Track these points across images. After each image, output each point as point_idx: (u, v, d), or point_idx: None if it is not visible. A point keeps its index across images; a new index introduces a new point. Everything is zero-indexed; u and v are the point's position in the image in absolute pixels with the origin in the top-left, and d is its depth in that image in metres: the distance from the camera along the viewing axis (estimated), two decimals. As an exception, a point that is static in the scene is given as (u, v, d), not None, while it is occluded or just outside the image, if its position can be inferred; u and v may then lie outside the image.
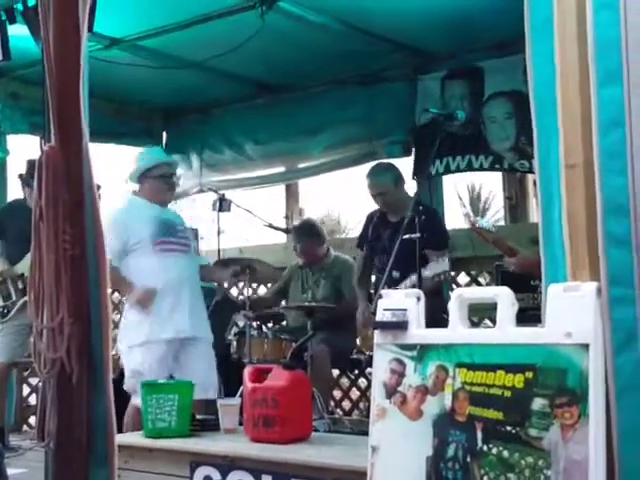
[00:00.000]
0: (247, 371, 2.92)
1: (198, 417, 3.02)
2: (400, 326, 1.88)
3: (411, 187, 4.67)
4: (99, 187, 2.46)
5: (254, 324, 4.62)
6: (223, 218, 5.26)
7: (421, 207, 3.64)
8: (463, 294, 1.89)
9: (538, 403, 1.64)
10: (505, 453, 1.67)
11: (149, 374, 3.65)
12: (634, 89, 1.61)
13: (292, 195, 6.50)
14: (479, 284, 5.21)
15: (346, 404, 5.69)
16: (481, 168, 4.91)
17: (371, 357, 2.03)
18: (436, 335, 1.86)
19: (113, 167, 6.65)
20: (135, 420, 3.58)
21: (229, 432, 2.90)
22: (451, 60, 4.99)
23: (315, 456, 2.48)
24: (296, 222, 5.69)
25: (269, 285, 6.05)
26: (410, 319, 1.88)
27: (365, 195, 4.57)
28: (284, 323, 5.11)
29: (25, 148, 5.04)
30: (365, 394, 5.35)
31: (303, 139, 5.63)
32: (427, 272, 3.41)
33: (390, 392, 1.87)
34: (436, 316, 2.38)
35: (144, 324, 3.80)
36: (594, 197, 1.64)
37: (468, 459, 1.72)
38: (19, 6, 3.35)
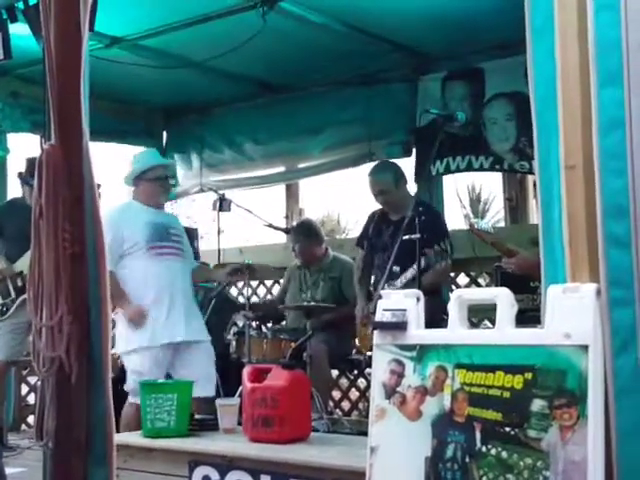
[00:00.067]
0: (246, 371, 2.92)
1: (197, 417, 3.02)
2: (399, 326, 1.88)
3: (412, 187, 4.69)
4: (99, 186, 2.46)
5: (253, 324, 4.62)
6: (223, 218, 5.27)
7: (421, 208, 3.65)
8: (463, 295, 1.89)
9: (537, 404, 1.64)
10: (504, 454, 1.67)
11: (149, 375, 3.66)
12: (634, 90, 1.61)
13: (292, 195, 6.50)
14: (479, 285, 5.21)
15: (345, 404, 5.68)
16: (481, 168, 4.92)
17: (370, 357, 2.03)
18: (435, 336, 1.86)
19: (113, 166, 6.64)
20: (133, 418, 3.58)
21: (228, 432, 2.90)
22: (452, 61, 4.99)
23: (314, 456, 2.48)
24: (294, 222, 5.69)
25: (268, 283, 6.06)
26: (409, 319, 1.88)
27: (365, 196, 4.58)
28: (283, 323, 5.11)
29: (25, 147, 5.05)
30: (364, 394, 5.35)
31: (303, 139, 5.64)
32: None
33: (389, 392, 1.87)
34: (436, 317, 2.39)
35: (131, 330, 3.80)
36: (594, 198, 1.64)
37: (467, 460, 1.72)
38: (20, 5, 3.35)
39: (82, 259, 2.19)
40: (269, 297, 5.86)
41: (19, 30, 3.45)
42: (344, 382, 5.64)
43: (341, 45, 4.65)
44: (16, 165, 4.92)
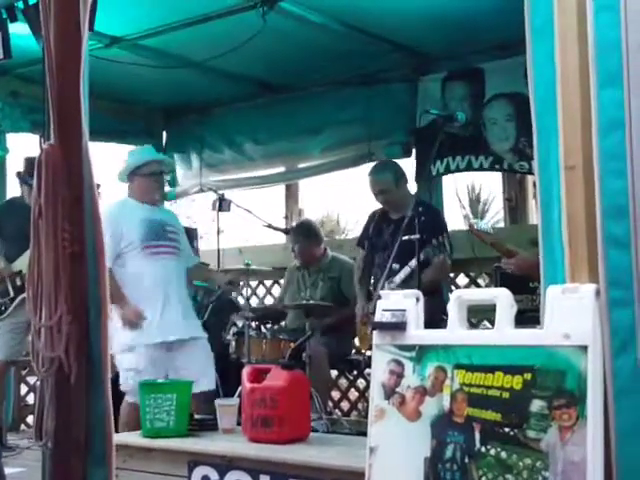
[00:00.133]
0: (245, 371, 2.92)
1: (196, 417, 3.02)
2: (399, 327, 1.88)
3: (412, 187, 4.69)
4: (99, 186, 2.46)
5: (253, 324, 4.62)
6: (223, 218, 5.26)
7: (421, 208, 3.65)
8: (462, 295, 1.89)
9: (536, 405, 1.64)
10: (503, 454, 1.67)
11: (144, 373, 3.67)
12: (634, 91, 1.61)
13: (292, 195, 6.50)
14: (478, 285, 5.21)
15: (344, 405, 5.68)
16: (481, 168, 4.92)
17: (369, 358, 2.03)
18: (435, 336, 1.86)
19: (113, 166, 6.63)
20: (132, 417, 3.59)
21: (227, 432, 2.90)
22: (452, 61, 4.99)
23: (313, 456, 2.48)
24: (294, 223, 5.69)
25: (268, 284, 6.06)
26: (409, 320, 1.88)
27: (365, 196, 4.58)
28: (283, 323, 5.11)
29: (24, 146, 5.05)
30: (364, 395, 5.35)
31: (303, 139, 5.64)
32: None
33: (389, 393, 1.87)
34: (435, 317, 2.39)
35: (127, 329, 3.80)
36: (593, 198, 1.64)
37: (466, 460, 1.72)
38: (20, 4, 3.35)
39: (81, 259, 2.19)
40: (270, 302, 5.85)
41: (19, 29, 3.44)
42: (343, 382, 5.64)
43: (341, 45, 4.65)
44: (15, 165, 4.93)
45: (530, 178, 5.09)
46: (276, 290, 5.84)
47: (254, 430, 2.74)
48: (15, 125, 5.20)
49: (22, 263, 4.15)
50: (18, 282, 4.42)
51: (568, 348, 1.62)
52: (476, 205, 16.64)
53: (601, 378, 1.59)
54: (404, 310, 1.89)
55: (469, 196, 16.58)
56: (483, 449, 1.70)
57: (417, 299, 1.91)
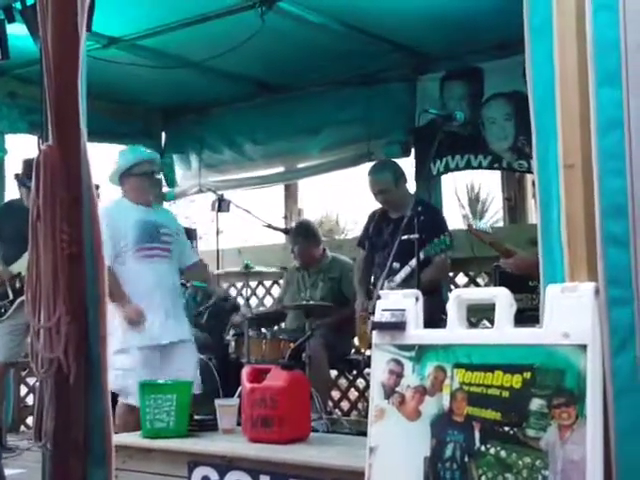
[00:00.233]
0: (245, 371, 2.92)
1: (196, 417, 3.02)
2: (398, 326, 1.88)
3: (411, 186, 4.69)
4: (97, 187, 2.46)
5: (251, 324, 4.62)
6: (222, 218, 5.27)
7: (420, 207, 3.65)
8: (461, 295, 1.89)
9: (536, 403, 1.64)
10: (503, 453, 1.67)
11: (134, 375, 3.68)
12: (633, 90, 1.61)
13: (291, 195, 6.50)
14: (477, 285, 5.21)
15: (344, 404, 5.68)
16: (480, 167, 4.92)
17: (369, 357, 2.03)
18: (434, 336, 1.86)
19: (111, 167, 6.62)
20: (126, 419, 3.59)
21: (227, 432, 2.90)
22: (450, 61, 5.00)
23: (313, 456, 2.48)
24: (293, 223, 5.69)
25: (267, 284, 6.06)
26: (408, 319, 1.88)
27: (364, 196, 4.58)
28: (282, 324, 5.11)
29: (23, 147, 5.05)
30: (363, 395, 5.35)
31: (302, 139, 5.64)
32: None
33: (388, 392, 1.87)
34: (435, 316, 2.39)
35: (124, 330, 3.80)
36: (593, 198, 1.64)
37: (466, 459, 1.72)
38: (17, 5, 3.35)
39: (80, 260, 2.19)
40: (270, 302, 5.85)
41: (16, 30, 3.44)
42: (343, 382, 5.64)
43: (340, 45, 4.65)
44: (14, 166, 4.92)
45: (529, 177, 5.09)
46: (275, 290, 5.83)
47: (254, 430, 2.74)
48: (13, 126, 5.19)
49: (21, 265, 4.15)
50: (17, 285, 4.41)
51: (567, 347, 1.62)
52: (475, 204, 16.64)
53: (600, 377, 1.59)
54: (403, 310, 1.89)
55: (468, 195, 16.58)
56: (483, 448, 1.70)
57: (416, 299, 1.91)
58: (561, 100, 1.71)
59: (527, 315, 2.70)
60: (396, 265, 3.83)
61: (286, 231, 5.34)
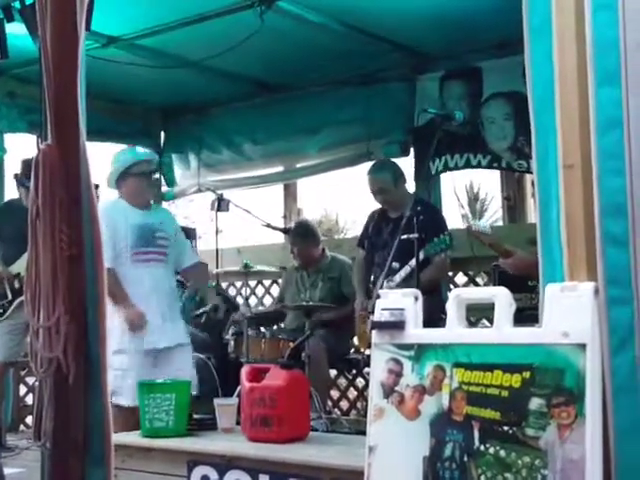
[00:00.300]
0: (245, 371, 2.92)
1: (195, 417, 3.02)
2: (397, 326, 1.88)
3: (411, 186, 4.69)
4: (97, 186, 2.46)
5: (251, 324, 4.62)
6: (221, 218, 5.26)
7: (419, 207, 3.65)
8: (461, 294, 1.89)
9: (535, 403, 1.64)
10: (502, 453, 1.67)
11: (129, 377, 3.69)
12: (632, 89, 1.61)
13: (290, 195, 6.50)
14: (477, 284, 5.22)
15: (344, 404, 5.69)
16: (479, 166, 4.93)
17: (368, 357, 2.03)
18: (433, 335, 1.86)
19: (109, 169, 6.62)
20: (114, 419, 3.59)
21: (227, 431, 2.90)
22: (450, 60, 5.00)
23: (313, 456, 2.47)
24: (291, 223, 5.69)
25: (266, 283, 6.06)
26: (407, 319, 1.88)
27: (363, 195, 4.58)
28: (282, 324, 5.11)
29: (22, 147, 5.04)
30: (362, 394, 5.35)
31: (301, 139, 5.64)
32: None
33: (388, 392, 1.87)
34: (434, 316, 2.39)
35: (118, 332, 3.79)
36: (592, 197, 1.64)
37: (465, 459, 1.72)
38: (17, 4, 3.35)
39: (79, 260, 2.19)
40: (269, 302, 5.85)
41: (15, 30, 3.44)
42: (342, 382, 5.64)
43: (339, 45, 4.65)
44: (13, 166, 4.92)
45: (528, 177, 5.09)
46: (275, 290, 5.83)
47: (253, 429, 2.74)
48: (12, 125, 5.19)
49: (20, 265, 4.15)
50: (16, 284, 4.41)
51: (567, 346, 1.62)
52: (474, 204, 16.66)
53: (600, 376, 1.59)
54: (403, 309, 1.89)
55: (467, 195, 16.60)
56: (482, 447, 1.70)
57: (416, 298, 1.91)
58: (560, 100, 1.71)
59: (526, 314, 2.71)
60: (395, 265, 3.83)
61: (285, 231, 5.34)
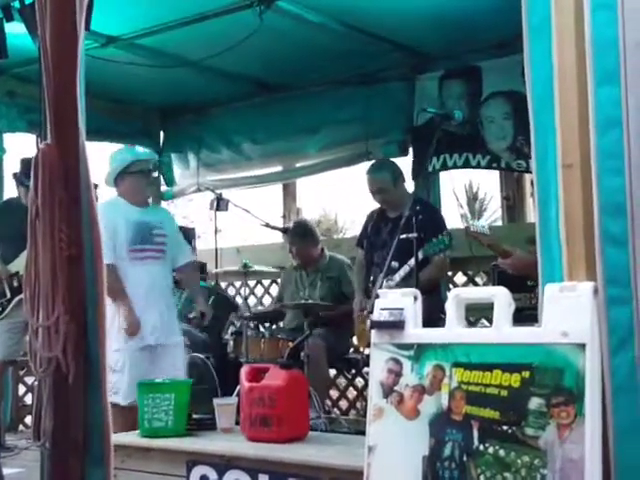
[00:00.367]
0: (244, 370, 2.92)
1: (195, 417, 3.02)
2: (397, 325, 1.88)
3: (409, 185, 4.69)
4: (96, 186, 2.46)
5: (251, 324, 4.62)
6: (220, 217, 5.27)
7: (418, 207, 3.65)
8: (460, 294, 1.89)
9: (534, 402, 1.64)
10: (501, 452, 1.67)
11: (124, 375, 3.72)
12: (631, 89, 1.61)
13: (289, 195, 6.50)
14: (476, 284, 5.22)
15: (343, 403, 5.69)
16: (478, 166, 4.93)
17: (368, 356, 2.03)
18: (433, 335, 1.86)
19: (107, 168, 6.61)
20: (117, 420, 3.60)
21: (226, 431, 2.90)
22: (449, 60, 5.00)
23: (312, 455, 2.47)
24: (290, 223, 5.69)
25: (266, 283, 6.06)
26: (407, 318, 1.88)
27: (362, 195, 4.58)
28: (281, 324, 5.11)
29: (21, 146, 5.05)
30: (362, 394, 5.35)
31: (301, 138, 5.64)
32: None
33: (387, 392, 1.87)
34: (433, 315, 2.39)
35: (114, 330, 3.79)
36: (591, 197, 1.64)
37: (464, 458, 1.72)
38: (16, 4, 3.34)
39: (79, 260, 2.19)
40: (268, 301, 5.85)
41: (15, 29, 3.44)
42: (342, 381, 5.64)
43: (338, 44, 4.65)
44: (12, 165, 4.92)
45: (528, 176, 5.09)
46: (274, 289, 5.83)
47: (253, 429, 2.74)
48: (12, 125, 5.19)
49: (19, 264, 4.15)
50: (15, 283, 4.41)
51: (566, 346, 1.62)
52: (473, 204, 16.67)
53: (599, 376, 1.59)
54: (402, 309, 1.89)
55: (467, 195, 16.62)
56: (481, 447, 1.70)
57: (415, 298, 1.91)
58: (560, 99, 1.71)
59: (526, 314, 2.71)
60: (395, 264, 3.83)
61: (284, 230, 5.34)
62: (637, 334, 1.59)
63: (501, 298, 1.78)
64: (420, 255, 3.66)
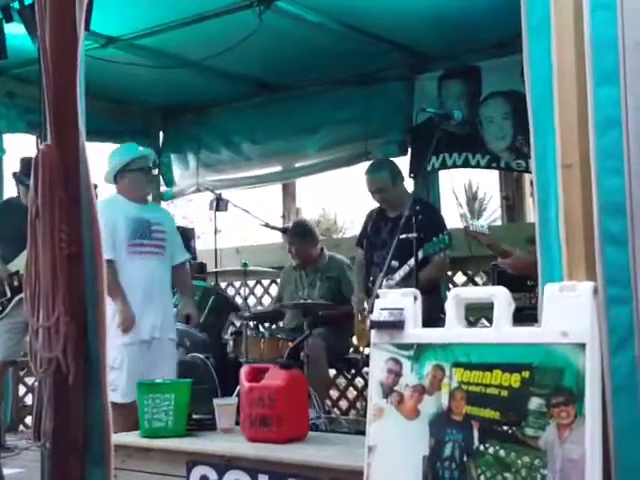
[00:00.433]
0: (244, 370, 2.92)
1: (195, 417, 3.02)
2: (396, 325, 1.88)
3: (409, 185, 4.69)
4: (96, 186, 2.46)
5: (251, 324, 4.62)
6: (220, 218, 5.27)
7: (418, 207, 3.65)
8: (460, 294, 1.89)
9: (535, 402, 1.64)
10: (502, 452, 1.67)
11: (121, 371, 3.73)
12: (631, 89, 1.61)
13: (289, 194, 6.50)
14: (476, 284, 5.22)
15: (343, 404, 5.69)
16: (478, 165, 4.93)
17: (367, 356, 2.03)
18: (433, 334, 1.86)
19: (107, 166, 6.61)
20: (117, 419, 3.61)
21: (226, 432, 2.90)
22: (448, 60, 5.00)
23: (312, 456, 2.47)
24: (289, 223, 5.69)
25: (265, 283, 6.06)
26: (407, 318, 1.88)
27: (362, 195, 4.58)
28: (281, 324, 5.11)
29: (21, 147, 5.05)
30: (362, 394, 5.35)
31: (300, 138, 5.64)
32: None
33: (387, 392, 1.87)
34: (433, 315, 2.39)
35: (112, 327, 3.80)
36: (591, 196, 1.64)
37: (465, 458, 1.72)
38: (16, 4, 3.34)
39: (79, 259, 2.19)
40: (268, 302, 5.85)
41: (15, 30, 3.44)
42: (342, 381, 5.64)
43: (338, 44, 4.65)
44: (12, 166, 4.92)
45: (527, 176, 5.10)
46: (274, 289, 5.84)
47: (252, 429, 2.74)
48: (11, 126, 5.20)
49: (19, 264, 4.15)
50: (15, 283, 4.41)
51: (566, 346, 1.62)
52: (473, 204, 16.68)
53: (599, 376, 1.59)
54: (402, 309, 1.89)
55: (466, 194, 16.62)
56: (482, 447, 1.70)
57: (415, 298, 1.91)
58: (559, 99, 1.71)
59: (525, 314, 2.71)
60: (395, 263, 3.83)
61: (284, 230, 5.34)
62: (637, 333, 1.59)
63: (501, 298, 1.78)
64: (420, 254, 3.66)
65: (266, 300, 6.03)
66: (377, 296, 2.01)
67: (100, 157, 4.20)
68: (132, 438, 2.89)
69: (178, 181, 6.33)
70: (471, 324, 4.15)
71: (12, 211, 4.37)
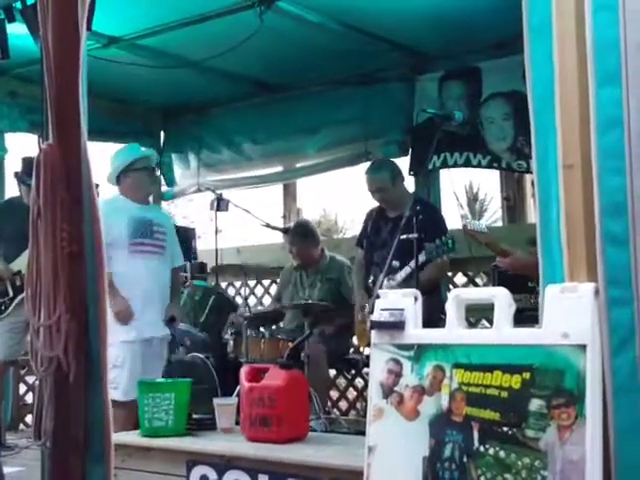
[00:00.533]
0: (244, 370, 2.92)
1: (195, 416, 3.02)
2: (397, 326, 1.88)
3: (409, 184, 4.69)
4: (97, 186, 2.46)
5: (251, 324, 4.61)
6: (221, 218, 5.26)
7: (419, 207, 3.65)
8: (460, 295, 1.89)
9: (535, 404, 1.64)
10: (502, 454, 1.67)
11: (122, 369, 3.76)
12: (633, 89, 1.61)
13: (289, 195, 6.50)
14: (476, 285, 5.21)
15: (343, 404, 5.68)
16: (479, 165, 4.93)
17: (368, 357, 2.03)
18: (433, 335, 1.86)
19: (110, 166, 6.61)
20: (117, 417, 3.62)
21: (226, 431, 2.90)
22: (449, 60, 5.00)
23: (312, 456, 2.48)
24: (290, 224, 5.69)
25: (265, 283, 6.06)
26: (407, 319, 1.88)
27: (362, 195, 4.58)
28: (281, 324, 5.11)
29: (23, 146, 5.04)
30: (362, 394, 5.35)
31: (300, 138, 5.64)
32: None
33: (387, 392, 1.87)
34: (434, 316, 2.39)
35: (113, 324, 3.80)
36: (592, 197, 1.64)
37: (465, 459, 1.72)
38: (18, 4, 3.34)
39: (80, 258, 2.19)
40: (268, 301, 5.85)
41: (17, 30, 3.44)
42: (342, 382, 5.64)
43: (338, 45, 4.65)
44: (14, 165, 4.93)
45: (528, 177, 5.09)
46: (274, 290, 5.83)
47: (252, 429, 2.75)
48: (13, 125, 5.20)
49: (21, 263, 4.15)
50: (17, 282, 4.42)
51: (567, 347, 1.62)
52: (474, 204, 16.68)
53: (600, 377, 1.59)
54: (402, 309, 1.89)
55: (467, 195, 16.62)
56: (482, 448, 1.70)
57: (415, 298, 1.91)
58: (560, 99, 1.71)
59: (526, 315, 2.70)
60: (396, 263, 3.83)
61: (285, 230, 5.34)
62: (638, 334, 1.59)
63: (501, 299, 1.78)
64: (423, 258, 3.66)
65: (266, 300, 6.03)
66: (378, 296, 2.01)
67: (102, 157, 4.20)
68: (132, 437, 2.89)
69: (179, 181, 6.34)
70: (471, 325, 4.14)
71: (14, 211, 4.37)
